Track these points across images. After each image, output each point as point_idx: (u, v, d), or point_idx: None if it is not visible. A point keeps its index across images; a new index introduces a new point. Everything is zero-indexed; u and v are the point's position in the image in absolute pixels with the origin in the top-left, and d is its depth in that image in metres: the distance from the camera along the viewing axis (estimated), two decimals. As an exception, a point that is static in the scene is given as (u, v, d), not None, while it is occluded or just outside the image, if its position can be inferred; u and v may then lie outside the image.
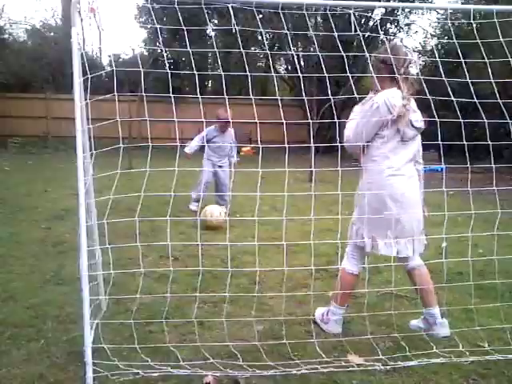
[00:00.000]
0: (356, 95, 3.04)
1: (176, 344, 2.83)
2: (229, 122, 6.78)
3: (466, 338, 3.06)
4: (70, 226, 5.69)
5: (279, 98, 3.53)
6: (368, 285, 3.77)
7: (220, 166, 7.14)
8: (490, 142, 3.26)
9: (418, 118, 2.98)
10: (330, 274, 4.21)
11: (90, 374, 2.45)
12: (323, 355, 2.79)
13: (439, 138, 3.09)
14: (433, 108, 3.01)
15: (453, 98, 3.16)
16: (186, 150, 6.78)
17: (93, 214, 3.19)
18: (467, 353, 2.83)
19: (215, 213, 5.97)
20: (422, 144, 3.13)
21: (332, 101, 3.59)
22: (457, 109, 3.14)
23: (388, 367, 2.69)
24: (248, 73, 3.15)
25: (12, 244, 5.14)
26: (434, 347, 2.91)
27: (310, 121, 3.02)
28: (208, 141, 6.86)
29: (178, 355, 2.71)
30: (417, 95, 3.10)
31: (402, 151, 2.95)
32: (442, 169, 12.28)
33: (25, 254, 4.80)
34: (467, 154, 3.21)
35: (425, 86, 3.05)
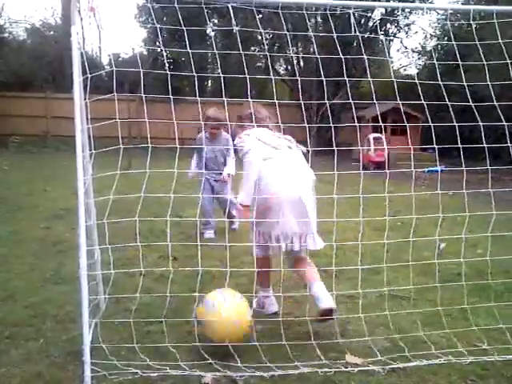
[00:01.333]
0: (351, 101, 3.05)
1: (174, 344, 2.82)
2: (218, 125, 5.58)
3: (464, 339, 3.07)
4: (69, 225, 5.69)
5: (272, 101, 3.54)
6: (366, 285, 3.78)
7: (216, 181, 5.92)
8: (485, 145, 3.26)
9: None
10: (329, 274, 4.21)
11: (88, 373, 2.45)
12: (322, 356, 2.79)
13: (434, 141, 3.09)
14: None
15: (448, 103, 3.16)
16: (190, 174, 5.64)
17: (92, 213, 3.19)
18: (467, 357, 2.83)
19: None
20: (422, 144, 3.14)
21: (327, 104, 3.59)
22: (451, 111, 3.14)
23: (386, 368, 2.70)
24: (247, 74, 3.15)
25: (12, 243, 5.14)
26: (432, 348, 2.91)
27: (307, 125, 3.04)
28: (200, 151, 5.59)
29: (176, 355, 2.71)
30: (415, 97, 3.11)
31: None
32: (441, 170, 12.32)
33: (24, 252, 4.80)
34: (464, 156, 3.22)
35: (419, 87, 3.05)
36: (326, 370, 2.63)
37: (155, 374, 2.51)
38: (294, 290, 3.92)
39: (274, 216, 3.14)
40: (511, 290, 3.88)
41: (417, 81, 3.17)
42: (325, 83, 3.00)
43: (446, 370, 2.69)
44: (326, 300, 3.06)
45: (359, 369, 2.68)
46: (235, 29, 3.41)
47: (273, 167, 3.20)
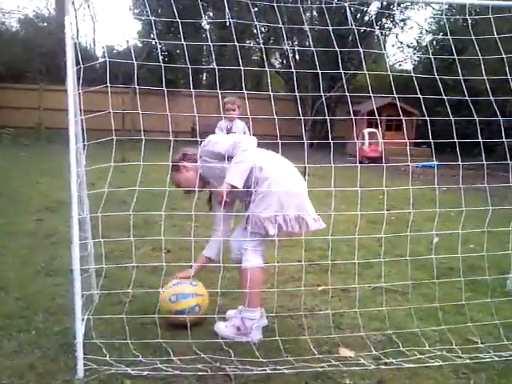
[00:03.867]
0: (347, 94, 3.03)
1: (167, 341, 2.80)
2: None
3: (458, 333, 3.08)
4: (62, 217, 5.66)
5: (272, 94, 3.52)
6: (360, 279, 3.80)
7: None
8: (480, 140, 3.27)
9: None
10: (322, 268, 4.23)
11: (80, 367, 2.45)
12: (315, 349, 2.79)
13: (430, 136, 3.09)
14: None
15: (444, 97, 3.16)
16: None
17: (85, 206, 3.17)
18: (459, 351, 2.84)
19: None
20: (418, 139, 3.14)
21: (324, 98, 3.59)
22: (447, 106, 3.14)
23: (379, 361, 2.71)
24: (242, 67, 3.14)
25: (4, 235, 5.10)
26: (425, 342, 2.93)
27: (302, 117, 3.02)
28: None
29: (169, 350, 2.71)
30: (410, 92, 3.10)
31: None
32: (434, 165, 12.37)
33: (17, 245, 4.77)
34: (458, 151, 3.22)
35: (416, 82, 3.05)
36: (319, 363, 2.64)
37: (146, 373, 2.49)
38: (287, 283, 3.93)
39: (297, 197, 2.92)
40: (504, 284, 3.91)
41: (413, 75, 3.17)
42: (320, 76, 2.99)
43: (438, 363, 2.71)
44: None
45: (352, 362, 2.69)
46: (230, 21, 3.38)
47: (273, 154, 3.07)
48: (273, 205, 2.86)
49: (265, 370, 2.55)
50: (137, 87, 3.11)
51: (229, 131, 5.61)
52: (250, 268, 2.92)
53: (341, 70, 3.20)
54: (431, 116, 3.21)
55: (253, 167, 2.87)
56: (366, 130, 15.64)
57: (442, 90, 3.25)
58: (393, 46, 24.55)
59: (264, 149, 3.07)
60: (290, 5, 13.63)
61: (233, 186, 2.83)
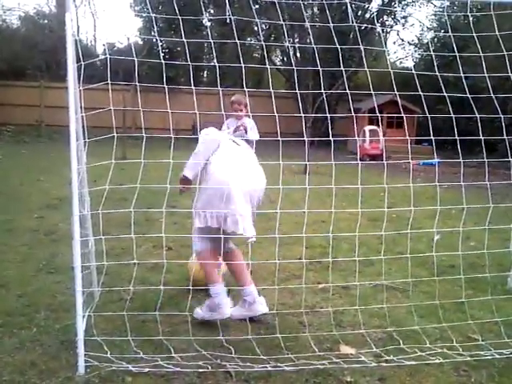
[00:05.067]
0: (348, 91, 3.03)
1: (168, 337, 2.81)
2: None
3: (458, 330, 3.08)
4: (63, 215, 5.66)
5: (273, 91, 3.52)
6: (360, 276, 3.80)
7: None
8: (481, 137, 3.26)
9: None
10: (323, 266, 4.23)
11: (81, 364, 2.46)
12: (315, 347, 2.80)
13: (431, 133, 3.09)
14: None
15: (445, 94, 3.15)
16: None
17: (86, 203, 3.17)
18: (460, 348, 2.84)
19: None
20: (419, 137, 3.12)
21: (324, 95, 3.59)
22: (448, 103, 3.14)
23: (380, 358, 2.71)
24: (242, 64, 3.13)
25: (5, 233, 5.11)
26: (426, 339, 2.93)
27: (303, 115, 3.03)
28: None
29: (169, 347, 2.71)
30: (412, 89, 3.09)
31: None
32: (435, 163, 12.35)
33: (18, 242, 4.77)
34: (460, 149, 3.22)
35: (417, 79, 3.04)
36: (320, 361, 2.64)
37: (147, 370, 2.49)
38: (288, 280, 3.93)
39: (227, 197, 2.95)
40: (504, 282, 3.91)
41: (414, 72, 3.16)
42: (321, 73, 2.98)
43: (439, 361, 2.71)
44: (263, 306, 3.19)
45: (353, 359, 2.69)
46: (231, 18, 3.38)
47: (232, 149, 3.18)
48: (203, 200, 3.02)
49: (265, 366, 2.55)
50: (137, 84, 3.10)
51: (236, 128, 5.57)
52: (197, 256, 3.22)
53: (342, 68, 3.19)
54: (432, 114, 3.20)
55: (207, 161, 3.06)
56: (367, 128, 15.63)
57: (443, 87, 3.24)
58: (394, 43, 24.51)
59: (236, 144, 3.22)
60: (291, 1, 13.61)
61: (185, 177, 3.08)
